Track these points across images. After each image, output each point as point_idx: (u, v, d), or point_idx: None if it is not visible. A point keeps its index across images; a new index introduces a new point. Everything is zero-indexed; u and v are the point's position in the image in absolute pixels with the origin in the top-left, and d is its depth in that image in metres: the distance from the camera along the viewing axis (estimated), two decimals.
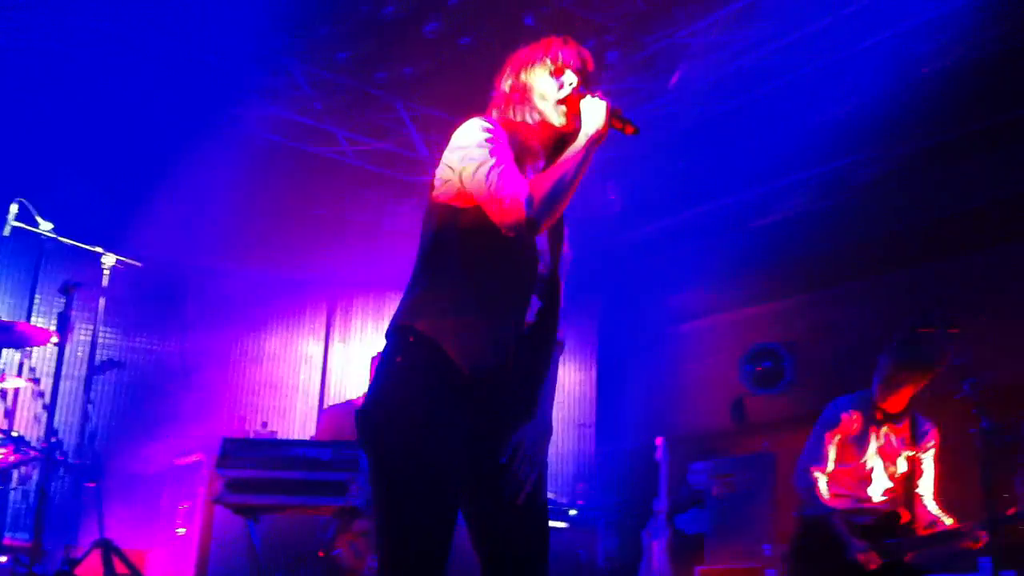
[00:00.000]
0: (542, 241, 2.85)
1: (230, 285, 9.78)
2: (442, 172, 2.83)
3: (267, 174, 9.46)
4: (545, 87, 2.87)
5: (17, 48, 8.11)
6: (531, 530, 2.80)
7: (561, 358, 3.06)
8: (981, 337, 5.67)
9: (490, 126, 2.82)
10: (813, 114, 8.22)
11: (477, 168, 2.71)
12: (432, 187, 2.87)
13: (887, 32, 7.53)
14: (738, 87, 8.50)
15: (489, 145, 2.74)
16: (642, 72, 8.91)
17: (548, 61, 2.89)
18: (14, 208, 6.26)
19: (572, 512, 7.52)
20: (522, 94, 2.89)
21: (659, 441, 7.37)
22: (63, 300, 6.24)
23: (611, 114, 2.74)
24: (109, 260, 6.57)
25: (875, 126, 8.07)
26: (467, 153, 2.75)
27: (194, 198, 8.91)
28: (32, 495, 6.28)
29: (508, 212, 2.63)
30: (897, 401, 5.43)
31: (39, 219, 6.38)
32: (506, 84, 2.95)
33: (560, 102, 2.85)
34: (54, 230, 6.44)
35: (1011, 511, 5.13)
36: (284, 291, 10.06)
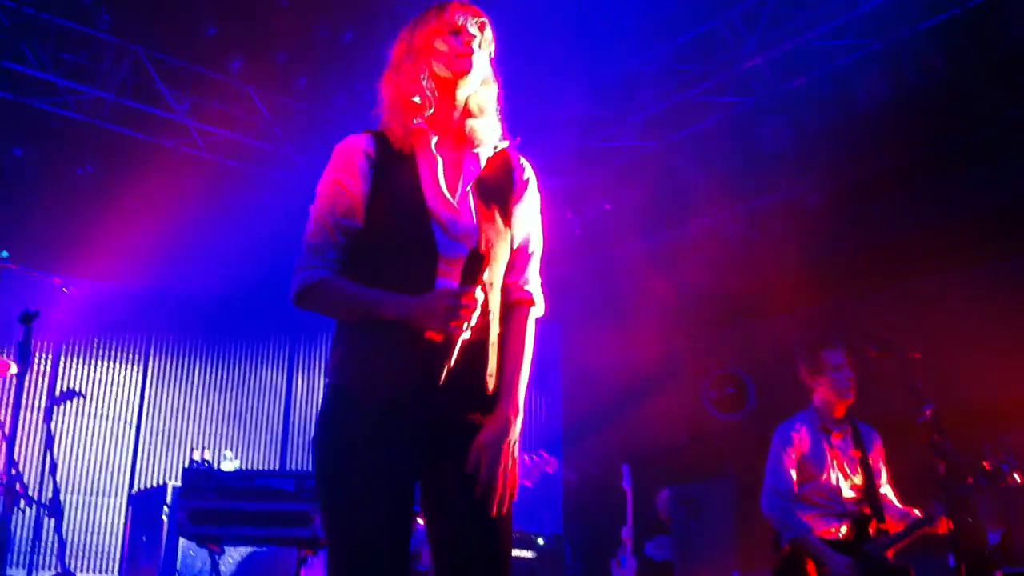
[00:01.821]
0: (467, 221, 2.69)
1: (191, 313, 9.70)
2: None
3: (228, 199, 9.41)
4: (441, 44, 2.75)
5: None
6: (496, 541, 2.65)
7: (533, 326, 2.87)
8: (940, 361, 5.74)
9: (349, 156, 2.72)
10: (767, 141, 8.33)
11: (310, 219, 2.70)
12: None
13: (834, 63, 7.67)
14: (693, 114, 8.61)
15: (319, 200, 2.70)
16: (599, 99, 9.00)
17: (444, 19, 2.77)
18: None
19: (540, 540, 7.51)
20: (416, 54, 2.77)
21: (625, 469, 7.40)
22: (22, 330, 6.16)
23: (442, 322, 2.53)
24: (68, 288, 6.50)
25: (827, 152, 8.19)
26: (316, 194, 2.73)
27: (153, 225, 8.84)
28: None
29: (293, 272, 2.65)
30: (847, 404, 5.53)
31: None
32: (401, 48, 2.83)
33: (458, 56, 2.73)
34: (9, 258, 6.36)
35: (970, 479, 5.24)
36: (246, 319, 9.99)
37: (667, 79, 8.52)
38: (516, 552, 7.21)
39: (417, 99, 2.74)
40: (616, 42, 8.58)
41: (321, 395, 2.75)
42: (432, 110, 2.75)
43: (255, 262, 9.14)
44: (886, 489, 5.62)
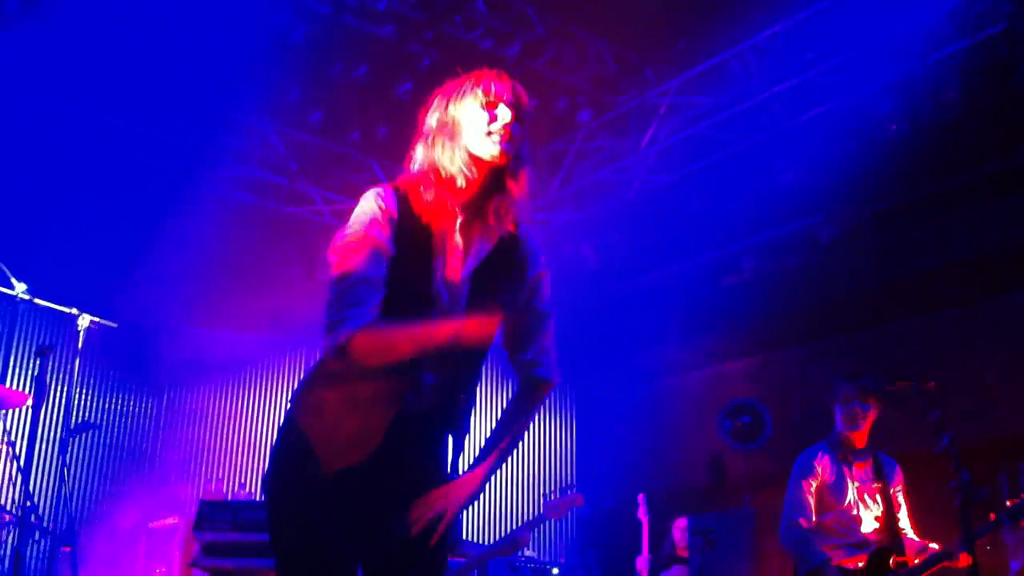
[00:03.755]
0: (458, 310, 2.64)
1: (205, 345, 9.71)
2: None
3: (244, 234, 9.46)
4: (476, 120, 2.65)
5: None
6: None
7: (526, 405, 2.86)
8: (955, 391, 5.72)
9: (377, 209, 2.62)
10: (780, 173, 8.34)
11: (336, 265, 2.58)
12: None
13: (851, 96, 7.69)
14: (706, 147, 8.64)
15: (354, 245, 2.58)
16: (613, 132, 9.05)
17: (480, 93, 2.67)
18: None
19: (555, 571, 7.46)
20: (450, 129, 2.66)
21: (640, 498, 7.36)
22: (38, 362, 6.17)
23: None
24: (84, 321, 6.52)
25: (841, 186, 8.20)
26: (342, 243, 2.61)
27: (169, 258, 8.89)
28: (7, 560, 6.18)
29: (326, 332, 2.52)
30: (859, 436, 5.51)
31: (13, 280, 6.33)
32: (432, 118, 2.72)
33: (492, 135, 2.64)
34: (28, 291, 6.38)
35: (992, 516, 5.20)
36: (260, 350, 9.99)
37: (679, 112, 8.57)
38: None
39: (456, 181, 2.65)
40: (629, 75, 8.65)
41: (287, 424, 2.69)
42: (463, 188, 2.66)
43: (269, 295, 9.18)
44: (905, 522, 5.58)
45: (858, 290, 8.55)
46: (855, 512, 5.46)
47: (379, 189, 2.69)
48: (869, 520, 5.48)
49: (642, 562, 7.33)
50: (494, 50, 8.08)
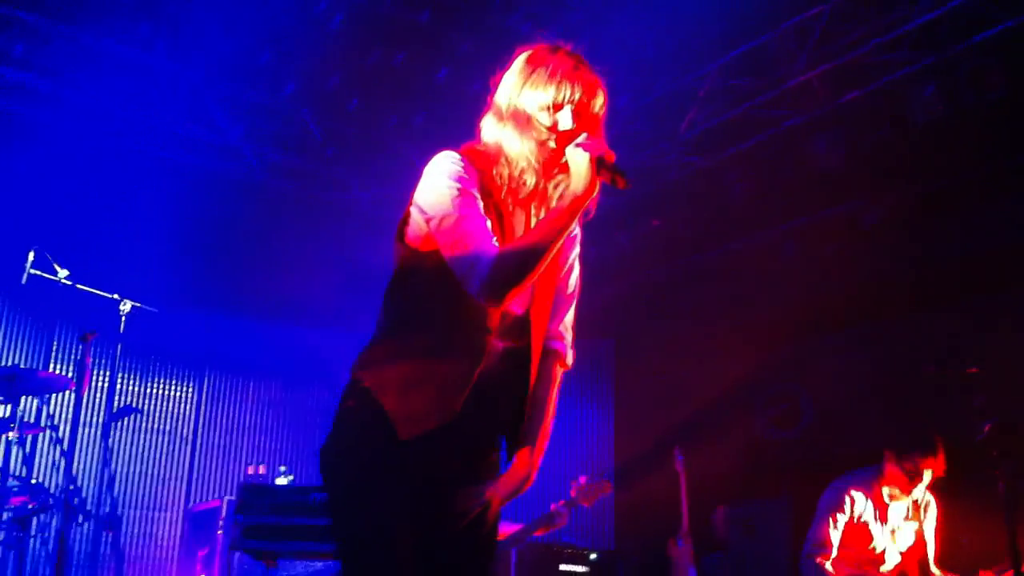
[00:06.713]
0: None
1: (246, 330, 9.79)
2: (411, 213, 2.65)
3: (281, 221, 9.51)
4: (538, 120, 2.60)
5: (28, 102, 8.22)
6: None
7: (566, 388, 2.91)
8: (997, 379, 5.63)
9: (460, 169, 2.58)
10: (821, 157, 8.26)
11: (440, 223, 2.53)
12: (398, 226, 2.70)
13: (888, 77, 7.60)
14: (745, 130, 8.56)
15: (456, 197, 2.53)
16: (651, 116, 8.99)
17: (548, 93, 2.59)
18: (31, 256, 6.30)
19: (592, 555, 7.47)
20: (521, 120, 2.61)
21: (676, 451, 7.30)
22: (80, 347, 6.25)
23: (597, 166, 2.47)
24: (126, 307, 6.60)
25: (882, 169, 8.11)
26: (433, 201, 2.57)
27: (209, 245, 8.97)
28: (51, 542, 6.27)
29: (466, 281, 2.47)
30: (902, 489, 5.39)
31: (56, 267, 6.42)
32: (504, 98, 2.66)
33: (553, 137, 2.59)
34: (71, 277, 6.47)
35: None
36: (299, 337, 10.04)
37: (718, 95, 8.50)
38: (568, 567, 7.19)
39: (525, 178, 2.63)
40: (667, 59, 8.58)
41: (349, 395, 2.63)
42: (530, 174, 2.63)
43: (308, 281, 9.23)
44: (929, 555, 5.46)
45: (900, 275, 8.45)
46: (880, 551, 5.37)
47: (455, 156, 2.62)
48: (893, 556, 5.39)
49: (682, 512, 7.30)
50: (532, 35, 8.05)
